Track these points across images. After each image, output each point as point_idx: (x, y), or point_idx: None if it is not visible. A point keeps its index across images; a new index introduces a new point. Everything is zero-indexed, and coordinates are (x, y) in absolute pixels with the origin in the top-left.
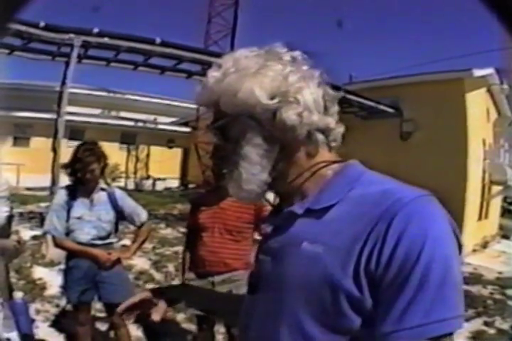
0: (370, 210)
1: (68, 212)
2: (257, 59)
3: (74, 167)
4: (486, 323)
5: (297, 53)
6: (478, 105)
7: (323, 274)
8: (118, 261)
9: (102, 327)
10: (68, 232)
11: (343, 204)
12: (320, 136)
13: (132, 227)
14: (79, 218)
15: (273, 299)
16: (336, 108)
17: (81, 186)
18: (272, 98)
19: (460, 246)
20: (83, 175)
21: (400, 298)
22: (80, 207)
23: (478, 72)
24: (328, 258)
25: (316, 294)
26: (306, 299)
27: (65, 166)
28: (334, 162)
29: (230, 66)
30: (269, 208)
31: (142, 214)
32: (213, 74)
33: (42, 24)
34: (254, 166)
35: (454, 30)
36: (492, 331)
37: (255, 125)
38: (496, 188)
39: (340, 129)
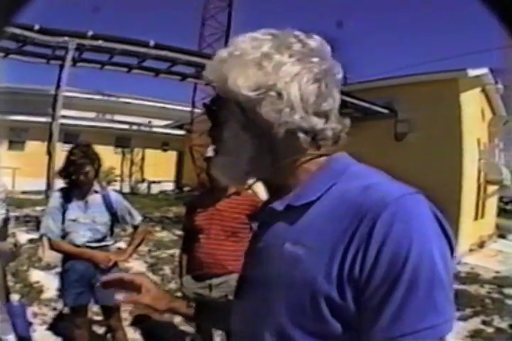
0: (353, 209)
1: (63, 214)
2: (263, 43)
3: (68, 170)
4: (484, 322)
5: (315, 43)
6: (472, 105)
7: (303, 278)
8: (115, 263)
9: (99, 330)
10: (64, 235)
11: (325, 200)
12: (302, 136)
13: (128, 230)
14: (74, 220)
15: (257, 301)
16: (332, 106)
17: (75, 188)
18: (255, 90)
19: (451, 246)
20: (77, 177)
21: (388, 305)
22: (74, 209)
23: (472, 72)
24: (310, 261)
25: (297, 298)
26: (287, 302)
27: (60, 170)
28: (320, 155)
29: (235, 49)
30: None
31: (136, 216)
32: (221, 53)
33: (37, 27)
34: (231, 153)
35: (447, 30)
36: (490, 330)
37: (239, 113)
38: (491, 188)
39: (336, 128)
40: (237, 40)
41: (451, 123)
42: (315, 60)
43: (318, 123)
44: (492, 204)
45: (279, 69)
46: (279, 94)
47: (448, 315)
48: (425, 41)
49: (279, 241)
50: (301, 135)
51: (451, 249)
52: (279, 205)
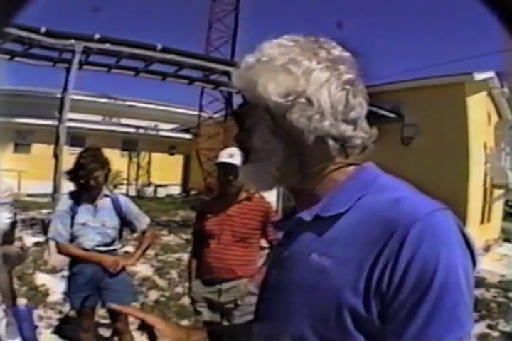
0: (382, 222)
1: (72, 218)
2: (290, 50)
3: (77, 173)
4: (489, 326)
5: (337, 51)
6: (479, 109)
7: (329, 290)
8: (123, 267)
9: (106, 333)
10: (72, 239)
11: (353, 212)
12: (331, 143)
13: (135, 234)
14: (83, 224)
15: (279, 310)
16: (360, 114)
17: (85, 192)
18: (285, 96)
19: (474, 260)
20: (87, 181)
21: (415, 320)
22: (84, 213)
23: (479, 76)
24: (336, 273)
25: (321, 309)
26: (310, 313)
27: (68, 173)
28: (349, 165)
29: (263, 55)
30: (276, 214)
31: (144, 221)
32: (248, 59)
33: (43, 29)
34: (260, 159)
35: (453, 34)
36: (496, 334)
37: (268, 119)
38: (497, 192)
39: (364, 136)
40: (263, 46)
41: (458, 127)
42: (342, 67)
43: (348, 130)
44: (498, 208)
45: (309, 76)
46: (309, 101)
47: (468, 328)
48: (431, 45)
49: (306, 252)
50: (330, 142)
51: (474, 263)
52: (307, 215)
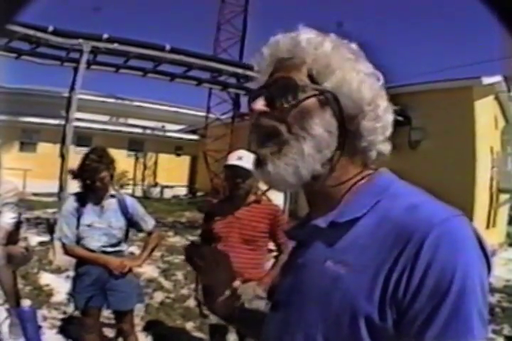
0: (397, 228)
1: (78, 219)
2: (347, 46)
3: (83, 174)
4: (494, 331)
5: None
6: (486, 113)
7: (343, 297)
8: (129, 269)
9: (110, 334)
10: (78, 240)
11: (369, 217)
12: (374, 155)
13: (140, 234)
14: (89, 225)
15: (292, 317)
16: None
17: (91, 193)
18: (370, 104)
19: (489, 266)
20: (93, 182)
21: (431, 328)
22: (89, 214)
23: (486, 80)
24: (351, 280)
25: (335, 317)
26: (323, 321)
27: (73, 172)
28: (364, 170)
29: (330, 40)
30: (285, 217)
31: (150, 222)
32: (308, 35)
33: (51, 28)
34: (316, 149)
35: (460, 38)
36: (500, 339)
37: (336, 109)
38: (503, 196)
39: (388, 149)
40: (332, 39)
41: (465, 131)
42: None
43: (387, 147)
44: (504, 213)
45: (379, 87)
46: (381, 113)
47: (483, 336)
48: (439, 49)
49: (320, 259)
50: (373, 153)
51: (489, 269)
52: (322, 222)
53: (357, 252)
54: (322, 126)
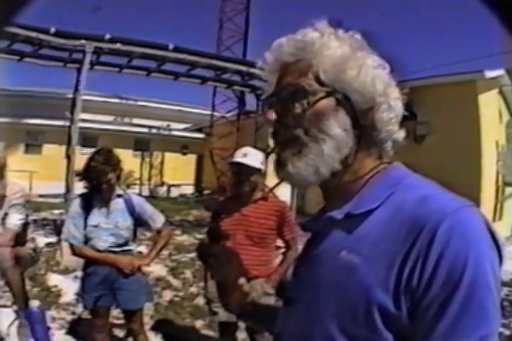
0: (410, 219)
1: (85, 220)
2: (352, 41)
3: (89, 175)
4: (502, 325)
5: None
6: (490, 106)
7: (358, 287)
8: (138, 267)
9: (119, 333)
10: (86, 240)
11: (383, 209)
12: (390, 146)
13: (148, 234)
14: (96, 226)
15: (307, 307)
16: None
17: (97, 194)
18: (382, 95)
19: (500, 256)
20: (99, 184)
21: (445, 316)
22: (96, 215)
23: (489, 74)
24: (366, 270)
25: (349, 307)
26: (338, 310)
27: (80, 174)
28: (380, 164)
29: (336, 38)
30: (292, 213)
31: (160, 220)
32: (315, 35)
33: (52, 30)
34: (335, 148)
35: (462, 32)
36: (508, 332)
37: (349, 107)
38: (509, 190)
39: (402, 136)
40: (321, 28)
41: (470, 125)
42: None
43: (402, 135)
44: (510, 206)
45: (390, 79)
46: (393, 102)
47: (496, 325)
48: (442, 43)
49: (335, 249)
50: (389, 144)
51: (500, 259)
52: (338, 214)
53: (371, 242)
54: (338, 125)
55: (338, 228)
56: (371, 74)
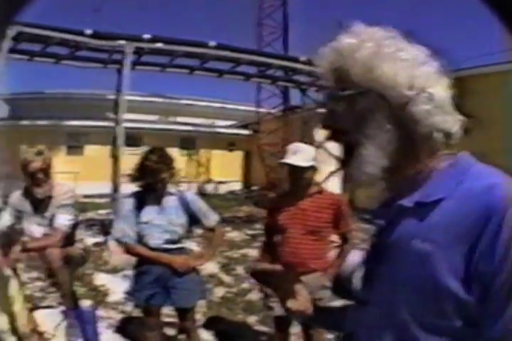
0: (479, 207)
1: (138, 218)
2: (391, 39)
3: (142, 175)
4: None
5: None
6: None
7: (430, 274)
8: (193, 268)
9: (169, 331)
10: (139, 238)
11: (452, 198)
12: (440, 137)
13: (198, 231)
14: (147, 223)
15: (382, 295)
16: (454, 108)
17: (150, 192)
18: (410, 88)
19: None
20: (154, 183)
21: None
22: (148, 212)
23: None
24: (438, 257)
25: (422, 293)
26: (411, 298)
27: (132, 175)
28: (447, 154)
29: (367, 38)
30: (348, 207)
31: (213, 218)
32: (348, 40)
33: (89, 32)
34: (378, 149)
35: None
36: None
37: (385, 106)
38: None
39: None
40: (357, 31)
41: (495, 118)
42: (436, 63)
43: (455, 126)
44: None
45: (424, 65)
46: (430, 94)
47: None
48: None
49: (407, 238)
50: (438, 135)
51: None
52: (408, 202)
53: (443, 230)
54: (378, 127)
55: (409, 216)
56: (399, 68)
